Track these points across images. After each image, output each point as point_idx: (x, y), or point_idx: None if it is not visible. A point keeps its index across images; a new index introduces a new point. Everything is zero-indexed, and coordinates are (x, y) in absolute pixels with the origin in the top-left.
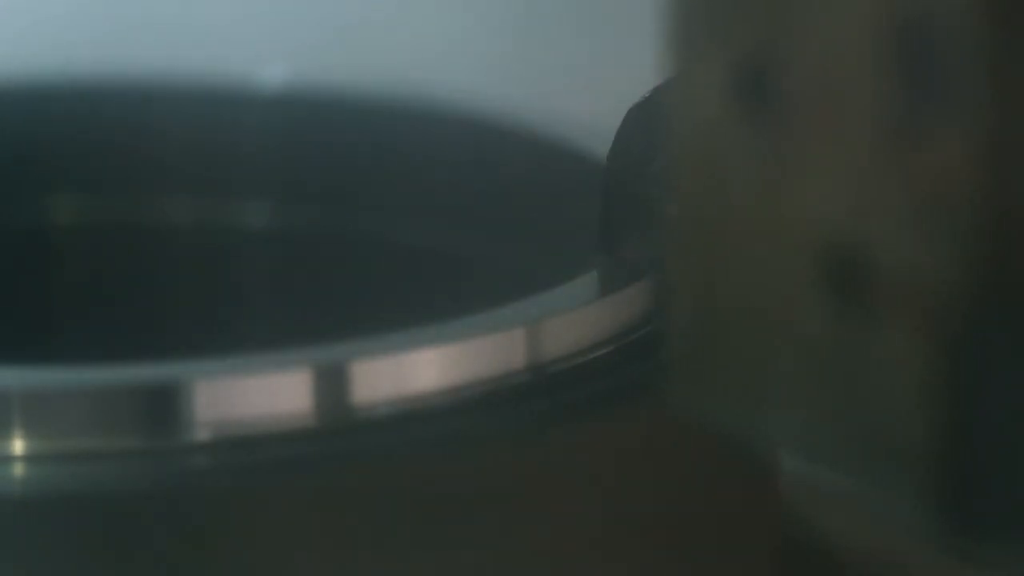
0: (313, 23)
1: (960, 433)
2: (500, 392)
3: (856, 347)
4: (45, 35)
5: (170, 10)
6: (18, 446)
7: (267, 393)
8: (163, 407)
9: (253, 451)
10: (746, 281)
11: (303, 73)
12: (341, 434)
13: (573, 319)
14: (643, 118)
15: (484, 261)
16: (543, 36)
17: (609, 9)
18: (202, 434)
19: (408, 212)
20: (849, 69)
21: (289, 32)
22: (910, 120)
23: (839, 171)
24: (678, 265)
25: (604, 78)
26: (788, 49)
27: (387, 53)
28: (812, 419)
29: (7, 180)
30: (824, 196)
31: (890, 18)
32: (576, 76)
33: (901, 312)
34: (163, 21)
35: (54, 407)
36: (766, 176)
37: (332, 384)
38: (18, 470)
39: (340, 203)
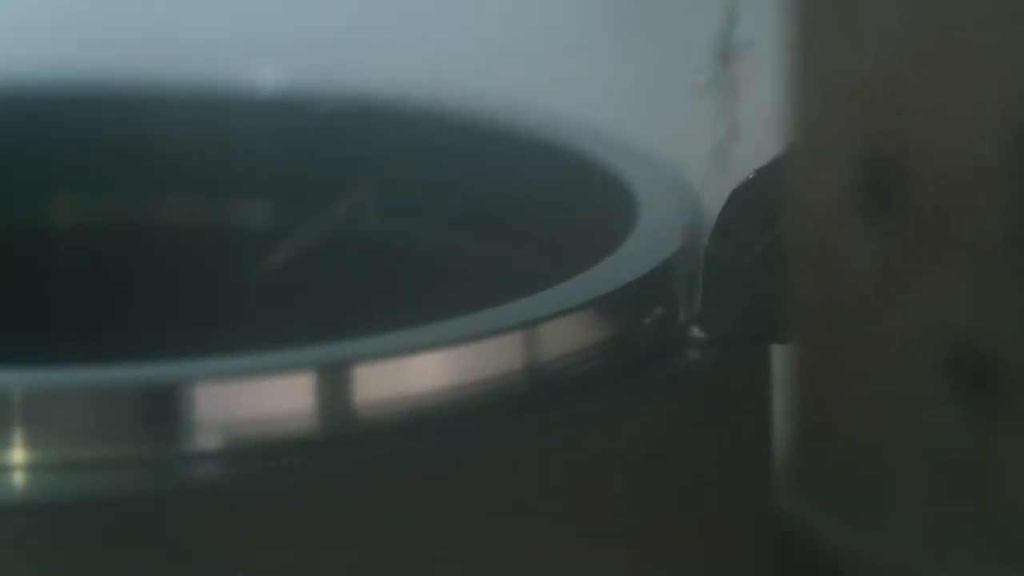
0: (313, 23)
1: None
2: (501, 393)
3: (982, 448)
4: (45, 36)
5: (169, 11)
6: (17, 443)
7: (269, 394)
8: (164, 408)
9: (253, 452)
10: (865, 377)
11: (302, 73)
12: (343, 435)
13: (573, 320)
14: (748, 199)
15: (484, 261)
16: (541, 37)
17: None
18: (202, 434)
19: (408, 212)
20: (973, 173)
21: (288, 32)
22: None
23: (963, 273)
24: (790, 353)
25: (597, 79)
26: (912, 150)
27: (386, 54)
28: (937, 520)
29: (7, 180)
30: (948, 297)
31: (1015, 123)
32: (571, 77)
33: None
34: (162, 22)
35: (54, 407)
36: (887, 274)
37: (334, 385)
38: (18, 470)
39: (339, 203)
